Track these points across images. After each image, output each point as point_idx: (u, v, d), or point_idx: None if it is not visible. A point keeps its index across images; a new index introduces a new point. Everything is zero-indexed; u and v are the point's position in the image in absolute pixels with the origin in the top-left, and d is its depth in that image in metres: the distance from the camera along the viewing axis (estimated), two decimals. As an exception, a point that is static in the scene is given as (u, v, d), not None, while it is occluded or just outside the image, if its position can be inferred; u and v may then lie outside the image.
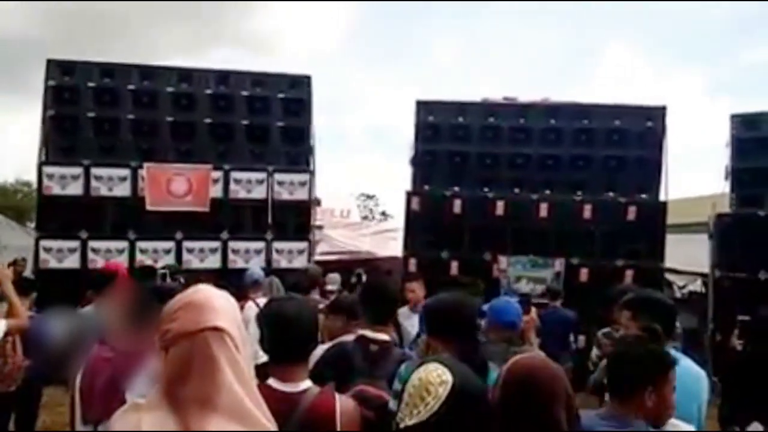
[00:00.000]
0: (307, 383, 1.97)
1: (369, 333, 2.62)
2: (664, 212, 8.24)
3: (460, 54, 68.20)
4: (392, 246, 9.95)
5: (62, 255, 7.62)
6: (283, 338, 1.97)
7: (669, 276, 9.32)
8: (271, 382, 1.93)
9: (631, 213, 8.18)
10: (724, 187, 8.45)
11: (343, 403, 1.97)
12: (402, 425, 1.51)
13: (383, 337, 2.63)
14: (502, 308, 3.45)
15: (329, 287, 6.01)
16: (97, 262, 7.62)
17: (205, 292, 1.41)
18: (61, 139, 8.06)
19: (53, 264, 7.56)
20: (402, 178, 8.99)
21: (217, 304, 1.37)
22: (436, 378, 1.53)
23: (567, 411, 1.60)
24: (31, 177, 8.27)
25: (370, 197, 34.47)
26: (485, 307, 3.15)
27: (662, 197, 8.45)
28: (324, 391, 1.97)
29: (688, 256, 9.12)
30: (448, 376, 1.53)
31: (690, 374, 2.61)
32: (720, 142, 8.49)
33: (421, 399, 1.51)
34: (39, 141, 7.88)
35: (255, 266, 6.77)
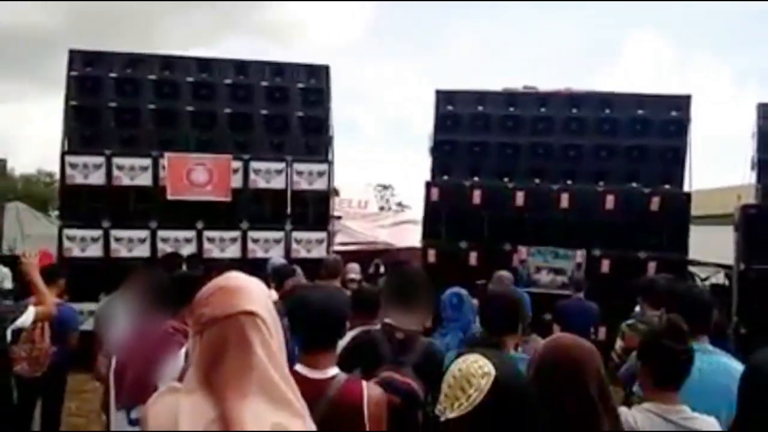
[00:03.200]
0: (334, 370, 1.97)
1: (395, 321, 2.61)
2: (688, 203, 8.09)
3: (480, 44, 67.73)
4: (410, 236, 9.94)
5: (85, 244, 7.74)
6: (312, 326, 1.97)
7: (691, 268, 9.18)
8: (299, 368, 1.94)
9: (655, 204, 8.05)
10: (750, 177, 8.29)
11: (371, 390, 1.97)
12: (443, 418, 1.50)
13: (409, 325, 2.61)
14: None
15: (351, 276, 5.99)
16: (120, 251, 7.74)
17: (238, 278, 1.42)
18: (83, 128, 8.15)
19: (77, 252, 7.68)
20: (420, 168, 8.99)
21: (250, 289, 1.38)
22: (477, 370, 1.51)
23: (599, 388, 1.66)
24: (54, 167, 8.36)
25: (386, 187, 34.51)
26: None
27: (686, 188, 8.30)
28: (351, 378, 1.98)
29: (710, 248, 8.97)
30: (489, 368, 1.51)
31: (726, 371, 2.55)
32: (747, 132, 8.32)
33: (463, 391, 1.49)
34: (61, 131, 7.98)
35: (277, 256, 6.81)
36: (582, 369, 1.67)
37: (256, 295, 1.38)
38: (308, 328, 1.99)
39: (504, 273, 5.61)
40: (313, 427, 1.36)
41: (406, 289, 2.69)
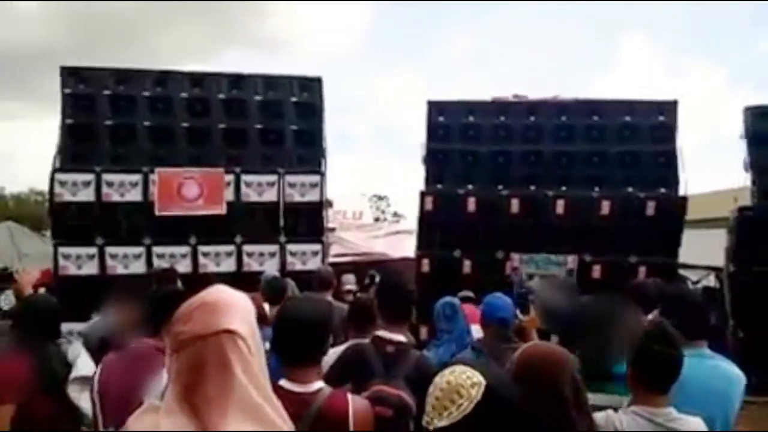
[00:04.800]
0: (319, 384, 1.96)
1: (385, 334, 2.60)
2: (683, 207, 8.10)
3: (471, 54, 68.09)
4: (405, 246, 9.91)
5: (81, 261, 7.68)
6: (295, 339, 1.96)
7: (682, 271, 9.18)
8: (283, 383, 1.93)
9: (650, 208, 8.05)
10: (746, 180, 8.29)
11: (356, 404, 1.96)
12: (431, 427, 1.49)
13: (399, 338, 2.61)
14: (495, 304, 3.44)
15: (347, 287, 5.96)
16: (116, 268, 7.69)
17: (219, 293, 1.40)
18: (76, 146, 8.12)
19: (73, 271, 7.62)
20: (414, 178, 8.97)
21: (231, 306, 1.36)
22: (466, 380, 1.52)
23: (573, 392, 1.76)
24: (45, 186, 8.33)
25: (381, 198, 34.51)
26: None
27: (682, 192, 8.31)
28: (336, 392, 1.97)
29: (701, 251, 8.97)
30: (479, 378, 1.53)
31: (725, 376, 2.54)
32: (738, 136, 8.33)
33: (452, 401, 1.49)
34: (55, 149, 7.96)
35: (270, 269, 6.78)
36: (555, 376, 1.76)
37: (237, 312, 1.36)
38: (291, 341, 1.97)
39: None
40: None
41: (394, 301, 2.68)
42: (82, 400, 2.78)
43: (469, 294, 5.72)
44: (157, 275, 6.31)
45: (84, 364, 2.88)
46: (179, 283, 5.71)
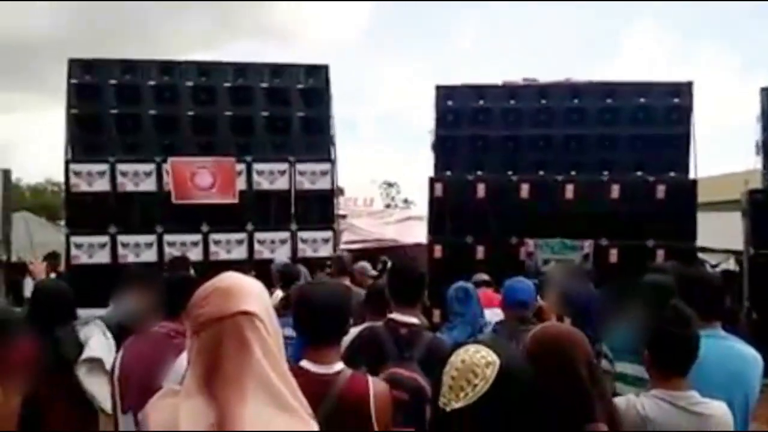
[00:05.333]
0: (340, 365, 1.98)
1: (398, 316, 2.61)
2: (694, 190, 8.03)
3: (480, 37, 67.46)
4: (417, 233, 9.92)
5: (93, 250, 7.77)
6: (316, 320, 1.98)
7: (701, 255, 9.12)
8: (305, 363, 1.95)
9: (660, 192, 7.99)
10: (756, 163, 8.22)
11: (376, 386, 1.98)
12: (449, 408, 1.49)
13: (412, 320, 2.61)
14: (514, 287, 3.45)
15: (369, 273, 6.00)
16: (128, 256, 7.77)
17: (235, 278, 1.41)
18: (86, 136, 8.18)
19: (84, 260, 7.71)
20: (424, 165, 8.94)
21: (247, 289, 1.37)
22: (480, 359, 1.51)
23: (589, 373, 1.74)
24: (60, 177, 8.42)
25: (391, 185, 34.52)
26: None
27: (692, 175, 8.24)
28: (357, 374, 1.99)
29: (720, 234, 8.90)
30: (493, 357, 1.51)
31: (740, 356, 2.52)
32: (754, 119, 8.25)
33: (468, 382, 1.49)
34: (64, 139, 8.02)
35: (281, 257, 6.81)
36: (571, 356, 1.74)
37: (254, 295, 1.37)
38: (313, 323, 2.00)
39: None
40: (315, 427, 1.35)
41: (404, 283, 2.69)
42: (90, 382, 2.80)
43: (485, 278, 5.68)
44: (170, 262, 6.38)
45: (96, 345, 2.88)
46: (191, 271, 5.76)
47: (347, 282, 5.23)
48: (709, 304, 2.53)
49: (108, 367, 2.71)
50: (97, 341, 2.90)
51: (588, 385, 1.71)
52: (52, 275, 7.04)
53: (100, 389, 2.77)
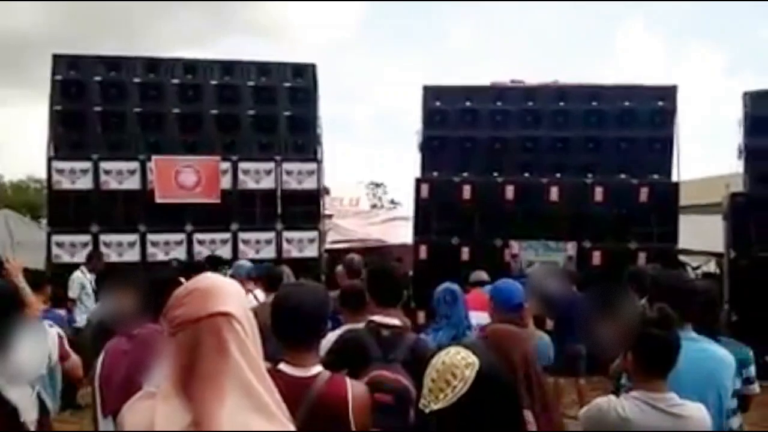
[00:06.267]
0: (318, 368, 1.96)
1: (379, 318, 2.60)
2: (676, 193, 8.13)
3: (472, 38, 67.67)
4: (402, 233, 9.92)
5: (74, 249, 7.68)
6: (294, 323, 1.96)
7: (682, 257, 9.23)
8: (283, 366, 1.93)
9: (644, 194, 8.09)
10: (737, 166, 8.32)
11: (355, 388, 1.96)
12: (429, 410, 1.50)
13: (394, 321, 2.60)
14: (510, 291, 3.43)
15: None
16: (110, 255, 7.68)
17: (212, 279, 1.40)
18: (69, 133, 8.08)
19: (66, 258, 7.61)
20: (410, 165, 8.94)
21: (225, 290, 1.36)
22: (460, 361, 1.51)
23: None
24: (43, 174, 8.26)
25: (378, 185, 34.52)
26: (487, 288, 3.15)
27: (675, 178, 8.33)
28: (335, 376, 1.97)
29: (701, 237, 9.01)
30: (473, 359, 1.52)
31: (713, 358, 2.55)
32: (735, 121, 8.34)
33: (447, 383, 1.49)
34: (47, 136, 7.91)
35: (242, 260, 6.69)
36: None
37: (231, 296, 1.36)
38: (290, 325, 1.97)
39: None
40: (291, 428, 1.34)
41: (385, 284, 2.68)
42: (7, 391, 2.57)
43: (485, 278, 5.42)
44: (206, 260, 6.39)
45: (21, 355, 2.60)
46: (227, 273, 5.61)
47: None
48: (681, 307, 2.55)
49: (32, 376, 2.60)
50: (25, 349, 2.64)
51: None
52: (89, 276, 6.74)
53: (18, 397, 2.60)
